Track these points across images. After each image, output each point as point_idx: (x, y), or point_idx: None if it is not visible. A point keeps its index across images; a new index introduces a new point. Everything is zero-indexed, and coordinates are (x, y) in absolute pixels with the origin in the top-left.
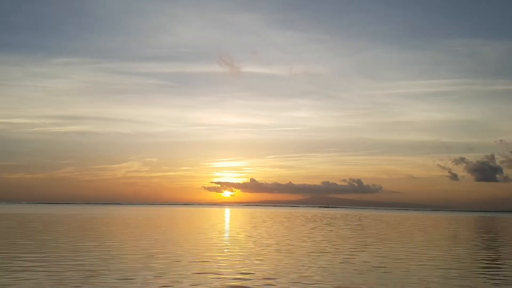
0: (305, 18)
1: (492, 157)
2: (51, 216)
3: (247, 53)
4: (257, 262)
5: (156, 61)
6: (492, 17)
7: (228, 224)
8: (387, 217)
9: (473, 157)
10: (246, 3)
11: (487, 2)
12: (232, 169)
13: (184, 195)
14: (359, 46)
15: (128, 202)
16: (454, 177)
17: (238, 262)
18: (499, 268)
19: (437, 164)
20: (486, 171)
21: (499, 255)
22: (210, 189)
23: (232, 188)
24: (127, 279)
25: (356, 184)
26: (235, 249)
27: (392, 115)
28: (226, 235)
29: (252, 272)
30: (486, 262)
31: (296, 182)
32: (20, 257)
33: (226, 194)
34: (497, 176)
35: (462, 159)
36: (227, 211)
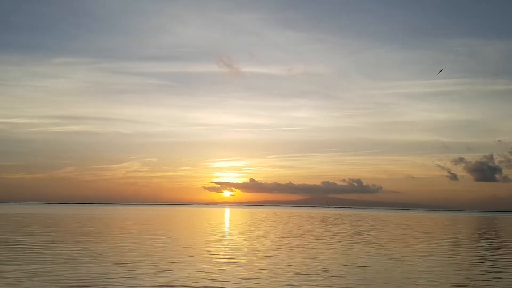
0: (306, 18)
1: (491, 157)
2: (51, 216)
3: (247, 53)
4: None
5: (156, 61)
6: (493, 17)
7: (275, 230)
8: (392, 217)
9: (472, 157)
10: (247, 3)
11: (487, 2)
12: (232, 169)
13: (184, 195)
14: (359, 46)
15: (128, 202)
16: (453, 177)
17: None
18: None
19: (436, 164)
20: (485, 171)
21: None
22: (210, 189)
23: (232, 188)
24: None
25: (356, 184)
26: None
27: (392, 115)
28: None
29: None
30: None
31: (296, 182)
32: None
33: (226, 194)
34: (496, 176)
35: (461, 159)
36: (227, 211)
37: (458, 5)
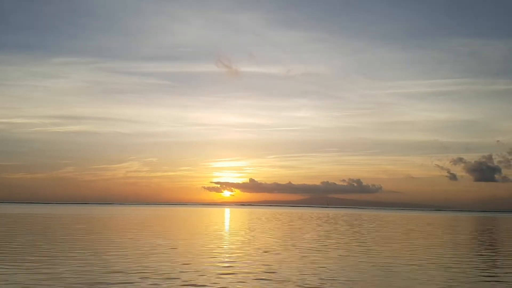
0: (306, 18)
1: (490, 158)
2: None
3: (247, 53)
4: None
5: (155, 61)
6: (494, 17)
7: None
8: (392, 217)
9: (471, 157)
10: (247, 3)
11: (488, 1)
12: (232, 169)
13: (184, 195)
14: (360, 45)
15: (128, 202)
16: (453, 177)
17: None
18: None
19: (436, 165)
20: (484, 171)
21: None
22: (210, 189)
23: (232, 188)
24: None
25: (355, 184)
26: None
27: (392, 115)
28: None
29: None
30: None
31: (295, 182)
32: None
33: (226, 194)
34: (496, 176)
35: (460, 159)
36: (227, 211)
37: (459, 5)
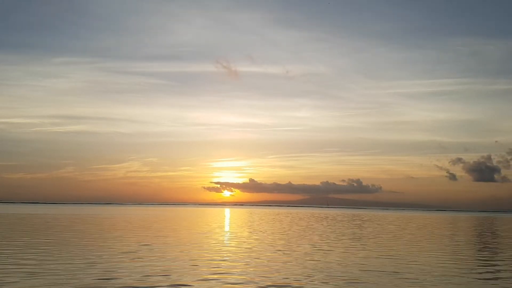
0: (306, 18)
1: (489, 158)
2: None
3: (247, 53)
4: None
5: (156, 61)
6: (494, 16)
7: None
8: (392, 217)
9: (470, 157)
10: (247, 3)
11: (488, 1)
12: (232, 169)
13: (184, 195)
14: (360, 45)
15: (128, 202)
16: (452, 177)
17: None
18: None
19: (435, 165)
20: (484, 172)
21: None
22: (210, 189)
23: (232, 188)
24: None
25: (355, 184)
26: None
27: (392, 115)
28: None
29: None
30: None
31: (295, 182)
32: None
33: (226, 194)
34: (495, 176)
35: (459, 160)
36: (227, 211)
37: (460, 4)
